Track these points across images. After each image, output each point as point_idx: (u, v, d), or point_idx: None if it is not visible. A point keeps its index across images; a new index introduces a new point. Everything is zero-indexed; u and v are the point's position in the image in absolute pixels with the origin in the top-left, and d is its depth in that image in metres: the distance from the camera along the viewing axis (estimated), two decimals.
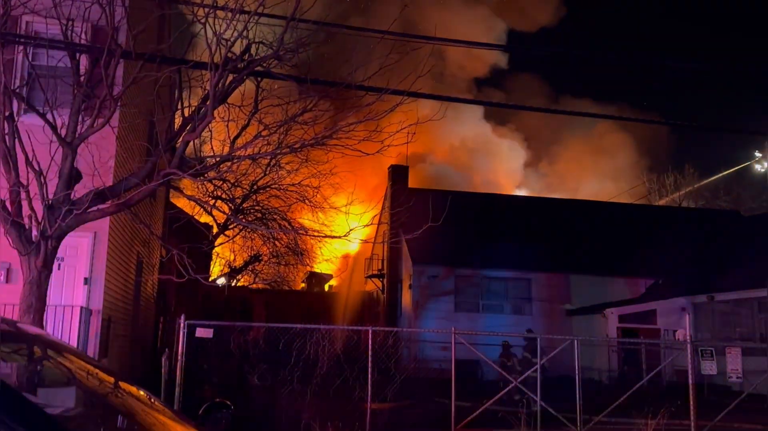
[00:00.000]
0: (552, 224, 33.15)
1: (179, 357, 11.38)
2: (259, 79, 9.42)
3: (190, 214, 23.78)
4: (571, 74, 69.17)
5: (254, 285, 31.96)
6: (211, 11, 8.39)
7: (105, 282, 13.21)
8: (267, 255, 29.04)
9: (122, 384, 3.86)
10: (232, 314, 26.36)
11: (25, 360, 4.00)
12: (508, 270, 30.91)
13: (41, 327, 7.96)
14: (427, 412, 14.01)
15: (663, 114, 56.04)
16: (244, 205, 25.81)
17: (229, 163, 9.54)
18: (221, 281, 29.16)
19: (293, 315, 26.51)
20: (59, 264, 11.93)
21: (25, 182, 8.34)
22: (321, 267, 36.32)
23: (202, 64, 8.74)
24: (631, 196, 47.85)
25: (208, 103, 8.56)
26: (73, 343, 11.82)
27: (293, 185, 25.91)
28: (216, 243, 26.88)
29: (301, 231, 21.24)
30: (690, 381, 12.86)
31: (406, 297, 31.91)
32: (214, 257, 28.98)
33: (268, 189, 26.03)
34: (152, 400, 3.87)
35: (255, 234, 27.30)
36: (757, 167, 38.40)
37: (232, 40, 8.37)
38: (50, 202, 8.30)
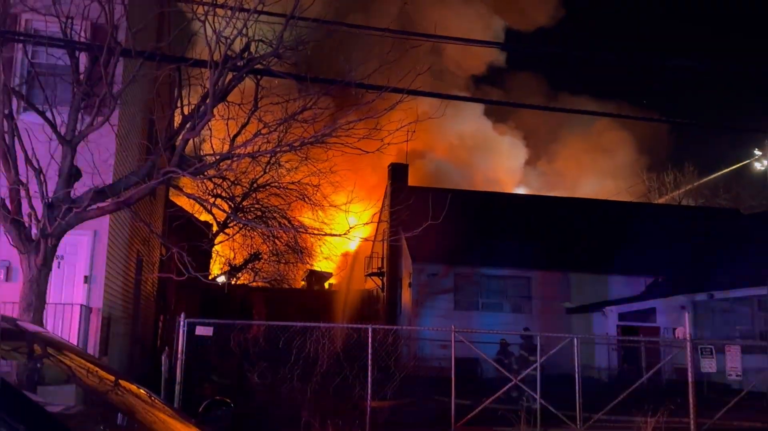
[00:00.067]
0: (551, 222, 33.16)
1: (179, 356, 11.40)
2: (258, 77, 9.41)
3: (190, 212, 23.78)
4: (569, 72, 69.17)
5: (254, 284, 31.96)
6: (211, 9, 8.38)
7: (105, 281, 13.21)
8: (267, 253, 29.05)
9: (122, 382, 3.86)
10: (232, 312, 26.34)
11: (25, 358, 4.00)
12: (507, 268, 30.92)
13: (41, 325, 7.95)
14: (426, 410, 14.02)
15: (662, 112, 55.96)
16: (244, 203, 25.83)
17: (228, 161, 9.53)
18: (221, 279, 29.15)
19: (293, 313, 26.48)
20: (59, 263, 11.93)
21: (24, 180, 8.33)
22: (321, 265, 36.32)
23: (201, 62, 8.74)
24: (631, 194, 47.88)
25: (207, 101, 8.56)
26: (73, 341, 11.82)
27: (293, 183, 25.94)
28: (216, 242, 26.91)
29: (300, 230, 21.23)
30: (689, 379, 12.87)
31: (406, 296, 31.92)
32: (214, 255, 28.99)
33: (267, 187, 26.06)
34: (152, 398, 3.87)
35: (255, 233, 27.32)
36: (757, 165, 38.42)
37: (231, 37, 8.37)
38: (50, 200, 8.30)
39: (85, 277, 12.99)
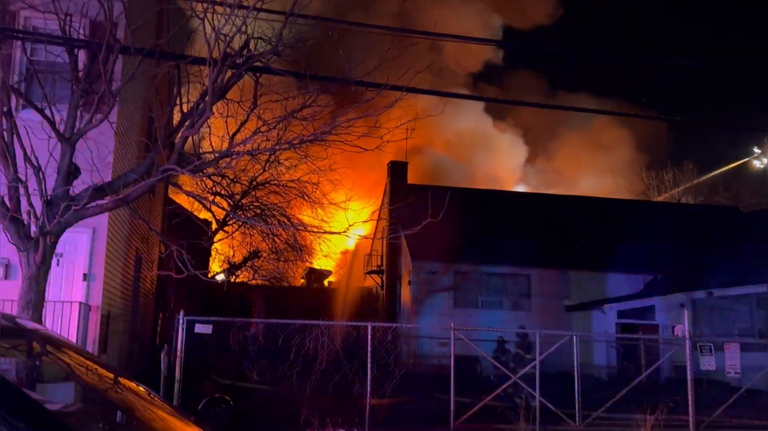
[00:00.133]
0: (551, 220, 33.17)
1: (178, 353, 11.40)
2: (258, 74, 9.40)
3: (189, 209, 23.77)
4: (569, 70, 69.12)
5: (253, 281, 31.96)
6: (210, 6, 8.37)
7: (104, 278, 13.21)
8: (266, 251, 29.03)
9: (121, 379, 3.85)
10: (232, 310, 26.34)
11: (25, 355, 3.99)
12: (507, 265, 30.92)
13: (40, 322, 7.96)
14: (426, 408, 14.03)
15: (662, 110, 55.81)
16: (243, 201, 25.80)
17: (228, 159, 9.52)
18: (220, 277, 29.15)
19: (292, 311, 26.50)
20: (58, 260, 11.92)
21: (23, 178, 8.33)
22: (320, 263, 36.31)
23: (200, 59, 8.73)
24: (630, 192, 47.87)
25: (206, 98, 8.55)
26: (72, 339, 11.81)
27: (292, 181, 25.91)
28: (215, 239, 26.87)
29: (300, 228, 21.25)
30: (689, 377, 12.89)
31: (406, 293, 31.92)
32: (213, 253, 28.98)
33: (267, 185, 26.02)
34: (151, 396, 3.87)
35: (254, 230, 27.29)
36: (756, 163, 38.46)
37: (230, 35, 8.36)
38: (49, 197, 8.29)
39: (84, 275, 12.98)
